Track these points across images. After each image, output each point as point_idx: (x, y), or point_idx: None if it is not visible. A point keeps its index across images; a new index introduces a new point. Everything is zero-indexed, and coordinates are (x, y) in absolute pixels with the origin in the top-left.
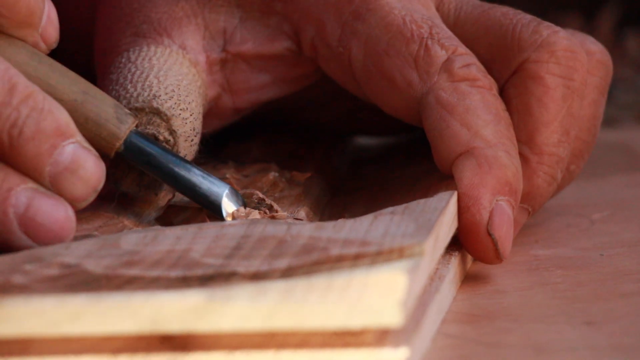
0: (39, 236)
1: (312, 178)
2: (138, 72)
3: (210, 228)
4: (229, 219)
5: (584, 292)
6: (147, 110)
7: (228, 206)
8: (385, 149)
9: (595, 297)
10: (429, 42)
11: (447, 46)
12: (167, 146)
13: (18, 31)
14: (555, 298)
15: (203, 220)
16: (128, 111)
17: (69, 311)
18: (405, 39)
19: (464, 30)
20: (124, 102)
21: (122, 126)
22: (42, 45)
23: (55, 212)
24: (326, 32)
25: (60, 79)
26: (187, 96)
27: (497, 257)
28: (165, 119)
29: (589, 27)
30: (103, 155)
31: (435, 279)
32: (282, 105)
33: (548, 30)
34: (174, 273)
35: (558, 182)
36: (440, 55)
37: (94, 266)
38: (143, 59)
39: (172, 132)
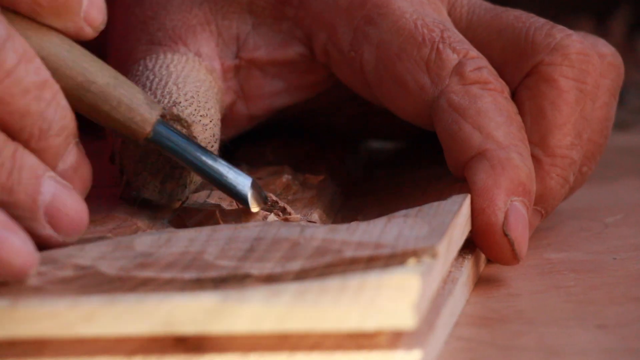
0: (62, 226)
1: (325, 181)
2: (157, 80)
3: (223, 230)
4: (254, 208)
5: (597, 295)
6: (168, 117)
7: (253, 196)
8: (398, 153)
9: (608, 301)
10: (441, 45)
11: (458, 50)
12: (192, 138)
13: (58, 19)
14: (568, 301)
15: (216, 223)
16: (154, 99)
17: (83, 312)
18: (416, 43)
19: (477, 33)
20: (148, 108)
21: (152, 111)
22: (88, 29)
23: (77, 205)
24: (338, 36)
25: (93, 64)
26: (206, 102)
27: (514, 257)
28: (186, 125)
29: (600, 30)
30: (131, 141)
31: (448, 281)
32: (295, 109)
33: (561, 34)
34: (188, 275)
35: (570, 184)
36: (452, 58)
37: (108, 268)
38: (160, 67)
39: (193, 138)
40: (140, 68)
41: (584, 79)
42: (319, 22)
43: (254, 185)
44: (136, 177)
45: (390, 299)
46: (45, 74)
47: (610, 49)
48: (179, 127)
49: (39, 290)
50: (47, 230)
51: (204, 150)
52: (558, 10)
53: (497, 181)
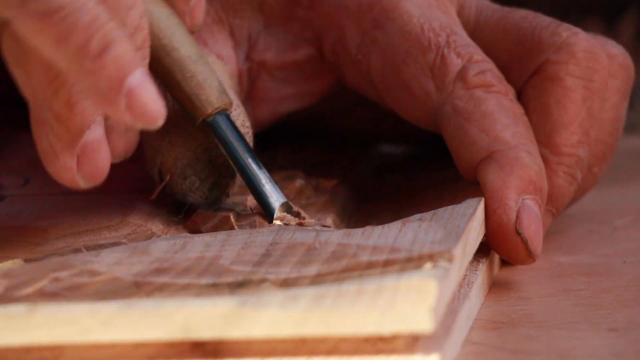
0: (138, 114)
1: (338, 185)
2: None
3: (238, 235)
4: (275, 222)
5: (608, 298)
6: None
7: (279, 212)
8: (408, 157)
9: (619, 304)
10: (445, 50)
11: (463, 54)
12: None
13: None
14: (578, 305)
15: (231, 227)
16: (228, 93)
17: (101, 318)
18: (422, 47)
19: (484, 34)
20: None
21: (220, 98)
22: (188, 20)
23: (157, 102)
24: (346, 39)
25: (183, 36)
26: (243, 108)
27: (529, 256)
28: None
29: (610, 32)
30: (188, 117)
31: (463, 285)
32: (306, 113)
33: (567, 32)
34: (204, 280)
35: (578, 182)
36: (456, 63)
37: (124, 273)
38: None
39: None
40: None
41: (590, 77)
42: (328, 22)
43: (285, 205)
44: (183, 181)
45: (408, 303)
46: (142, 20)
47: (620, 49)
48: None
49: (56, 296)
50: (121, 111)
51: (254, 154)
52: (566, 12)
53: (506, 181)
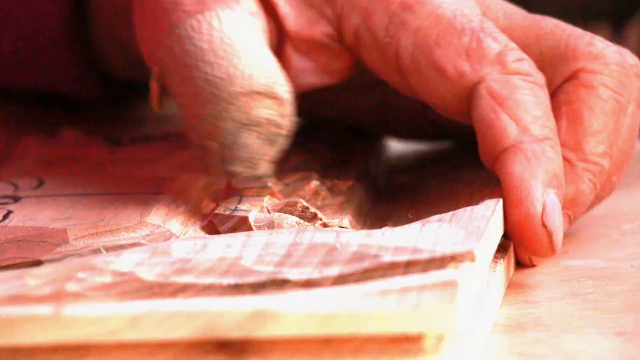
0: None
1: (353, 186)
2: (240, 47)
3: (258, 236)
4: None
5: (615, 302)
6: (264, 94)
7: None
8: (420, 159)
9: (627, 308)
10: (481, 34)
11: (499, 40)
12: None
13: None
14: (586, 309)
15: (249, 229)
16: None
17: (126, 318)
18: (456, 31)
19: (514, 37)
20: (245, 82)
21: None
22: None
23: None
24: (373, 21)
25: None
26: (283, 74)
27: (551, 249)
28: (281, 103)
29: (617, 37)
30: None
31: (483, 286)
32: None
33: (602, 44)
34: (226, 281)
35: (597, 191)
36: (493, 47)
37: (147, 274)
38: (231, 27)
39: (284, 116)
40: (204, 26)
41: (620, 91)
42: (352, 4)
43: None
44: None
45: (434, 303)
46: None
47: (635, 59)
48: (275, 105)
49: (79, 297)
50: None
51: None
52: (573, 17)
53: (534, 173)
